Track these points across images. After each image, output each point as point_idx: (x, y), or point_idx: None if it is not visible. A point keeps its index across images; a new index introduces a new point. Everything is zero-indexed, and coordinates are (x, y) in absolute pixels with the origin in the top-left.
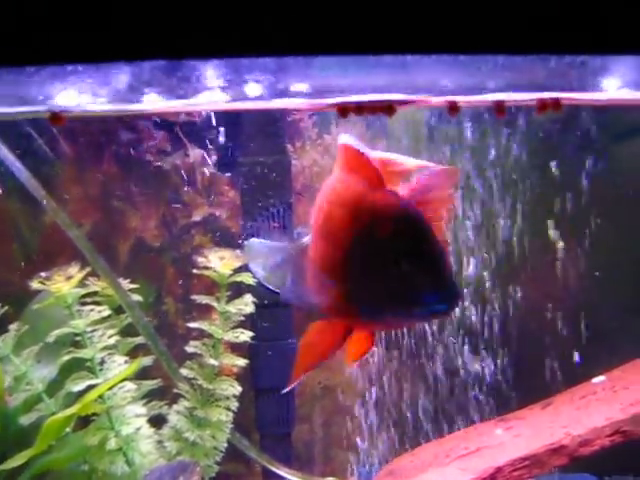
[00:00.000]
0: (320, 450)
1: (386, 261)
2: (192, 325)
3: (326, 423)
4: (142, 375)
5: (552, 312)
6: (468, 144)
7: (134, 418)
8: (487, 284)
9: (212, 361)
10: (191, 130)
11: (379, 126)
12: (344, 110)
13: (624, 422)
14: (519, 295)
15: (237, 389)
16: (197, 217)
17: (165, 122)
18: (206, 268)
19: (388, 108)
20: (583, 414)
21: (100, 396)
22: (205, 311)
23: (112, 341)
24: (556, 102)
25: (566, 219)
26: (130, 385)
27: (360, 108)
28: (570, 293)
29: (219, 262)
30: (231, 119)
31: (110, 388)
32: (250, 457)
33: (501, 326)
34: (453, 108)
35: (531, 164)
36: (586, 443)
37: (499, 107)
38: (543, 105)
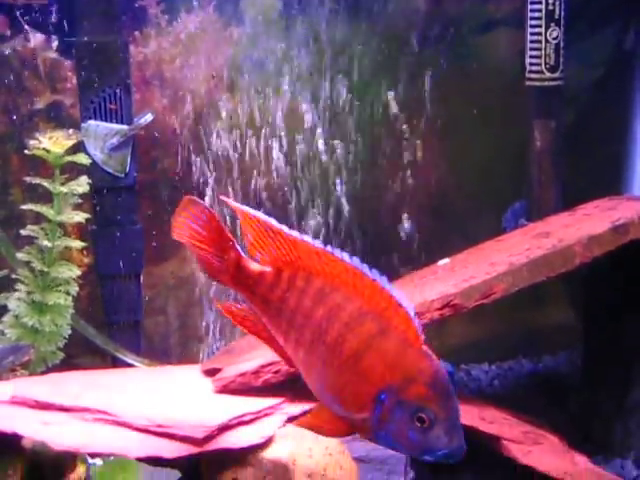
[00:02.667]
0: (175, 342)
1: (412, 415)
2: (25, 207)
3: (181, 314)
4: None
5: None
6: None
7: None
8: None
9: (46, 243)
10: (31, 14)
11: (232, 11)
12: None
13: (454, 295)
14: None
15: (75, 272)
16: (40, 104)
17: (3, 5)
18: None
19: None
20: (417, 291)
21: None
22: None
23: None
24: None
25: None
26: None
27: None
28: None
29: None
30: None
31: None
32: (99, 346)
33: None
34: None
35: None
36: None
37: None
38: None
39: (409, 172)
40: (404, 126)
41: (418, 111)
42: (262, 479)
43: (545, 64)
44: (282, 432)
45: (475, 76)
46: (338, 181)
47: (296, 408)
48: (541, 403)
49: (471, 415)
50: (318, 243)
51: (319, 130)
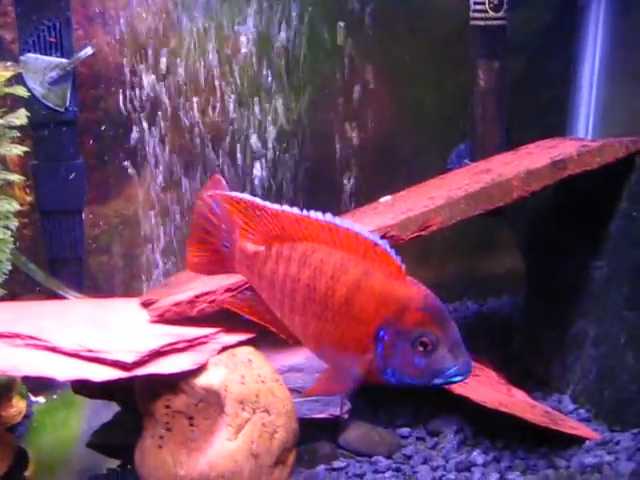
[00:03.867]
0: (119, 281)
1: (413, 343)
2: None
3: (125, 254)
4: None
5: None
6: None
7: None
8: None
9: None
10: None
11: None
12: None
13: (392, 227)
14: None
15: (15, 206)
16: None
17: None
18: None
19: None
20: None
21: None
22: None
23: None
24: None
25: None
26: None
27: None
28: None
29: None
30: None
31: None
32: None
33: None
34: None
35: None
36: None
37: None
38: None
39: (354, 115)
40: (347, 69)
41: (362, 53)
42: (194, 406)
43: (489, 3)
44: (215, 360)
45: (421, 17)
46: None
47: (232, 338)
48: (485, 342)
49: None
50: (296, 210)
51: (265, 73)
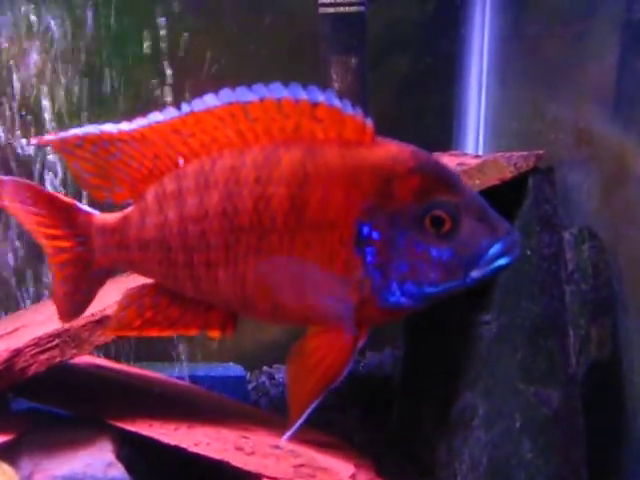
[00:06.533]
0: None
1: (420, 225)
2: None
3: None
4: None
5: None
6: None
7: None
8: None
9: None
10: None
11: None
12: None
13: None
14: None
15: None
16: None
17: None
18: None
19: None
20: None
21: None
22: None
23: None
24: None
25: None
26: None
27: None
28: None
29: None
30: None
31: None
32: None
33: None
34: None
35: None
36: None
37: None
38: None
39: None
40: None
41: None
42: None
43: None
44: None
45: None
46: None
47: None
48: (358, 412)
49: (223, 444)
50: (171, 112)
51: None
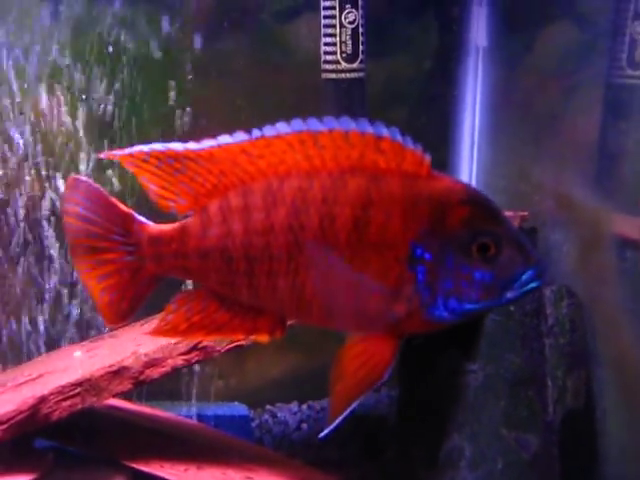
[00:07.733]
0: None
1: (465, 251)
2: None
3: None
4: None
5: None
6: None
7: None
8: None
9: None
10: None
11: None
12: None
13: None
14: None
15: None
16: None
17: None
18: None
19: None
20: None
21: None
22: None
23: None
24: None
25: None
26: None
27: None
28: None
29: None
30: None
31: None
32: None
33: None
34: None
35: None
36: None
37: None
38: None
39: None
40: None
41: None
42: None
43: (341, 52)
44: None
45: (276, 70)
46: None
47: None
48: (354, 453)
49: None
50: (241, 136)
51: None
